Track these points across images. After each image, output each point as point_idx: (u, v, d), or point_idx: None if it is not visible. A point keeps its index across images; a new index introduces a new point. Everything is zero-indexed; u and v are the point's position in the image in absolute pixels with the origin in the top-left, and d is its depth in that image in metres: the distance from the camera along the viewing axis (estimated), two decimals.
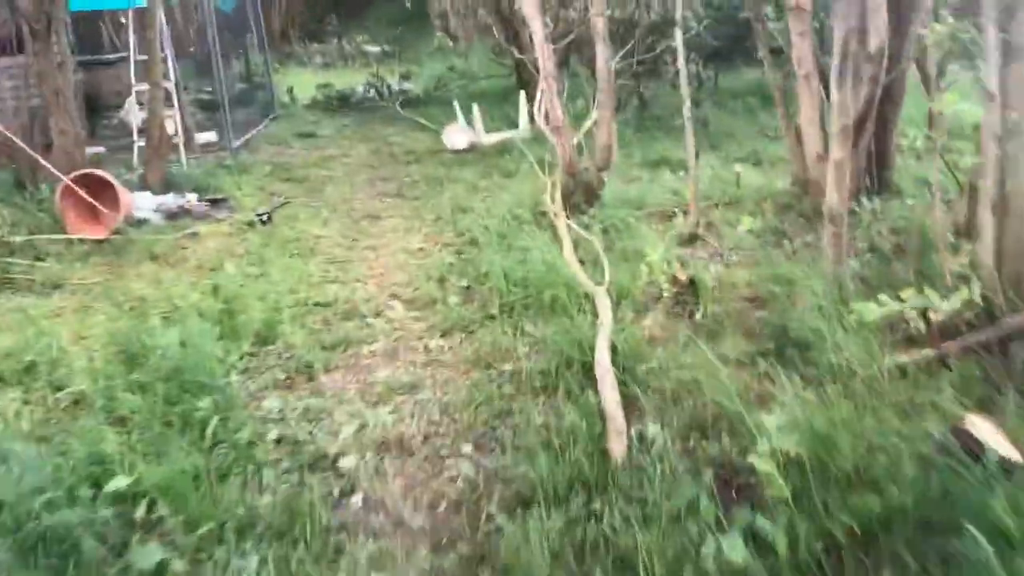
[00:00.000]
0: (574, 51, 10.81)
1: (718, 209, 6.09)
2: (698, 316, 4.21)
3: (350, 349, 4.28)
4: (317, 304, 4.87)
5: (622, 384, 3.50)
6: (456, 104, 10.25)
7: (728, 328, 4.10)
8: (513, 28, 12.28)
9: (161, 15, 8.83)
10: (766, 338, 3.95)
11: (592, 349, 3.78)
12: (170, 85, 9.04)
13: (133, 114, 9.66)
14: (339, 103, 13.89)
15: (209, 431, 3.32)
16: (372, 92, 14.27)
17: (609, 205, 6.12)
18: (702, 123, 9.45)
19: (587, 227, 5.66)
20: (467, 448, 3.25)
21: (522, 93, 10.24)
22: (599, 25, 5.92)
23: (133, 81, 9.18)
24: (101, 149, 10.75)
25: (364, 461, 3.22)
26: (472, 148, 9.57)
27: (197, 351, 4.01)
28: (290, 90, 14.35)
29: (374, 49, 20.97)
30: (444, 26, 21.93)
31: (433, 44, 20.43)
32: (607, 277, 4.59)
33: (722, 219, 5.81)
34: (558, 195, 5.92)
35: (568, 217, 5.76)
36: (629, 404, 3.39)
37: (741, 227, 5.22)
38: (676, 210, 6.07)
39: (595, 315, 4.20)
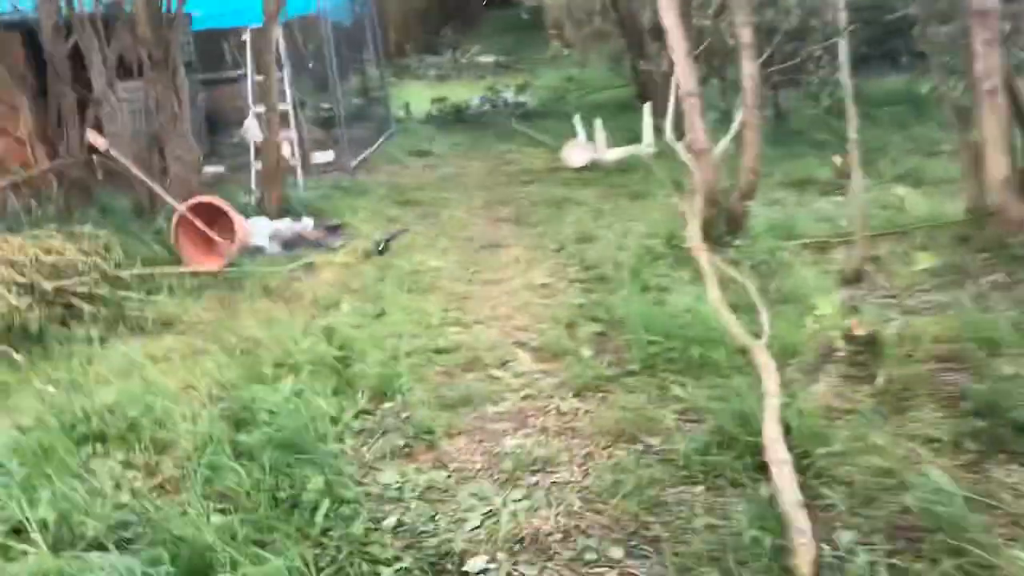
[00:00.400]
0: (704, 61, 10.13)
1: (882, 240, 5.37)
2: (880, 380, 3.56)
3: (474, 409, 3.82)
4: (437, 351, 4.45)
5: (799, 471, 2.91)
6: (576, 118, 9.75)
7: (920, 398, 3.44)
8: (636, 35, 11.70)
9: (279, 33, 8.69)
10: (970, 413, 3.27)
11: (757, 422, 3.21)
12: (287, 106, 8.88)
13: (252, 134, 9.57)
14: (454, 117, 13.64)
15: (319, 518, 2.92)
16: (487, 105, 13.96)
17: (755, 235, 5.50)
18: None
19: (734, 263, 5.06)
20: (616, 552, 2.73)
21: (647, 106, 9.65)
22: (745, 36, 5.31)
23: (251, 101, 9.04)
24: (221, 168, 10.79)
25: (495, 563, 2.74)
26: (593, 165, 9.06)
27: (309, 409, 3.67)
28: (406, 105, 14.20)
29: (488, 60, 20.75)
30: (559, 35, 21.55)
31: (548, 53, 20.09)
32: (766, 329, 3.98)
33: (889, 253, 5.09)
34: (698, 225, 5.33)
35: (710, 251, 5.17)
36: (810, 500, 2.80)
37: (917, 264, 4.52)
38: (833, 241, 5.39)
39: (755, 376, 3.62)
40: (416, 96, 15.39)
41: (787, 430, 3.13)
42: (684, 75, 5.17)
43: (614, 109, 12.56)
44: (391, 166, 10.29)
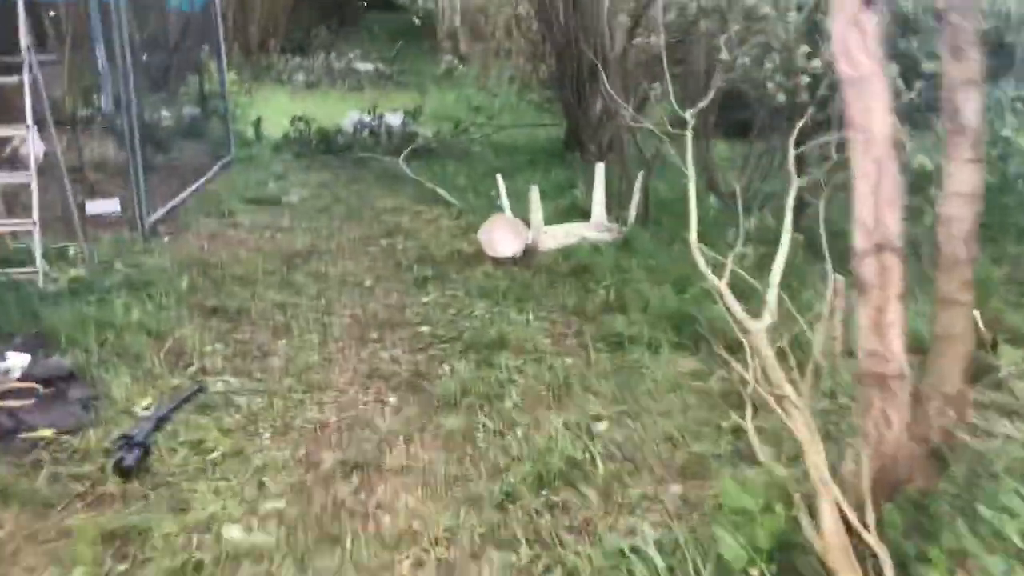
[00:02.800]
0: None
1: None
2: None
3: None
4: None
5: None
6: (499, 180, 6.63)
7: None
8: (575, 63, 8.61)
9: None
10: None
11: None
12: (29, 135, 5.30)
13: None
14: (320, 145, 10.19)
15: None
16: (365, 131, 10.55)
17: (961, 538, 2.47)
18: (914, 249, 5.87)
19: None
20: None
21: (599, 168, 6.62)
22: (968, 101, 2.32)
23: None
24: None
25: None
26: (526, 255, 5.93)
27: None
28: (257, 123, 10.63)
29: (367, 67, 17.32)
30: (454, 47, 18.33)
31: (440, 67, 16.89)
32: None
33: None
34: (874, 527, 2.26)
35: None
36: None
37: None
38: None
39: None
40: (274, 108, 11.87)
41: None
42: (882, 186, 2.09)
43: (537, 156, 9.51)
44: (214, 222, 6.82)
